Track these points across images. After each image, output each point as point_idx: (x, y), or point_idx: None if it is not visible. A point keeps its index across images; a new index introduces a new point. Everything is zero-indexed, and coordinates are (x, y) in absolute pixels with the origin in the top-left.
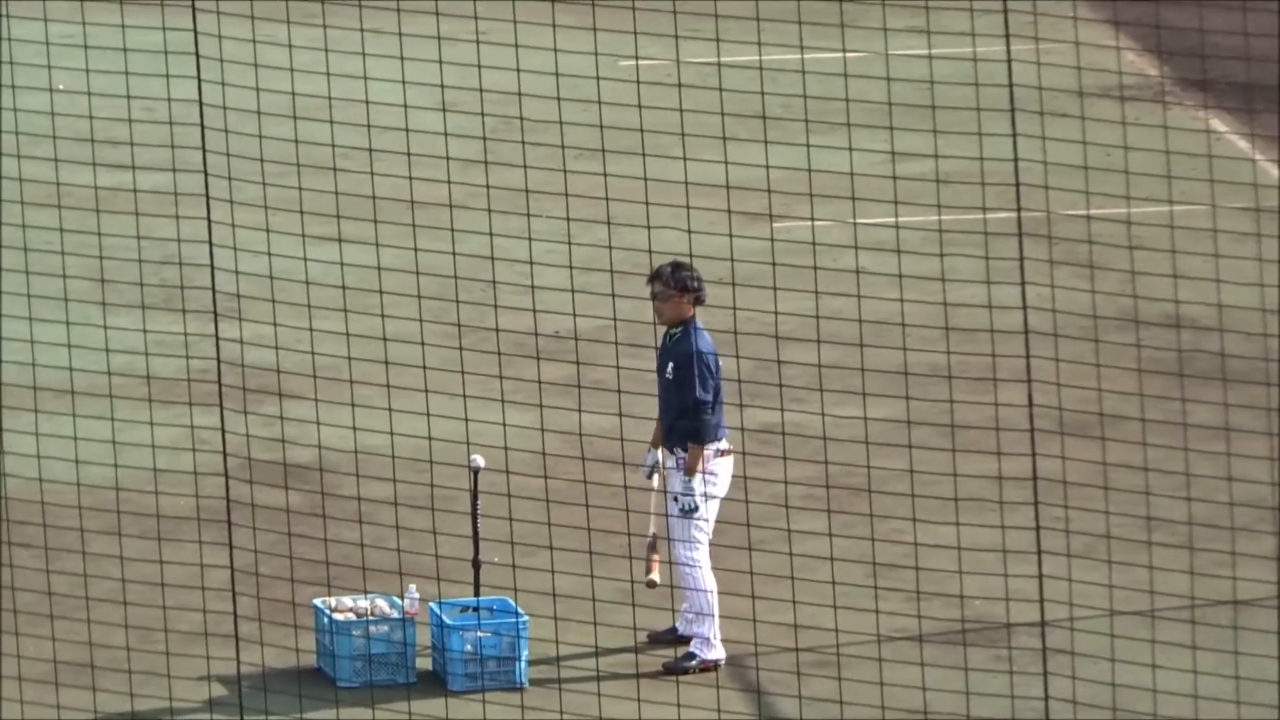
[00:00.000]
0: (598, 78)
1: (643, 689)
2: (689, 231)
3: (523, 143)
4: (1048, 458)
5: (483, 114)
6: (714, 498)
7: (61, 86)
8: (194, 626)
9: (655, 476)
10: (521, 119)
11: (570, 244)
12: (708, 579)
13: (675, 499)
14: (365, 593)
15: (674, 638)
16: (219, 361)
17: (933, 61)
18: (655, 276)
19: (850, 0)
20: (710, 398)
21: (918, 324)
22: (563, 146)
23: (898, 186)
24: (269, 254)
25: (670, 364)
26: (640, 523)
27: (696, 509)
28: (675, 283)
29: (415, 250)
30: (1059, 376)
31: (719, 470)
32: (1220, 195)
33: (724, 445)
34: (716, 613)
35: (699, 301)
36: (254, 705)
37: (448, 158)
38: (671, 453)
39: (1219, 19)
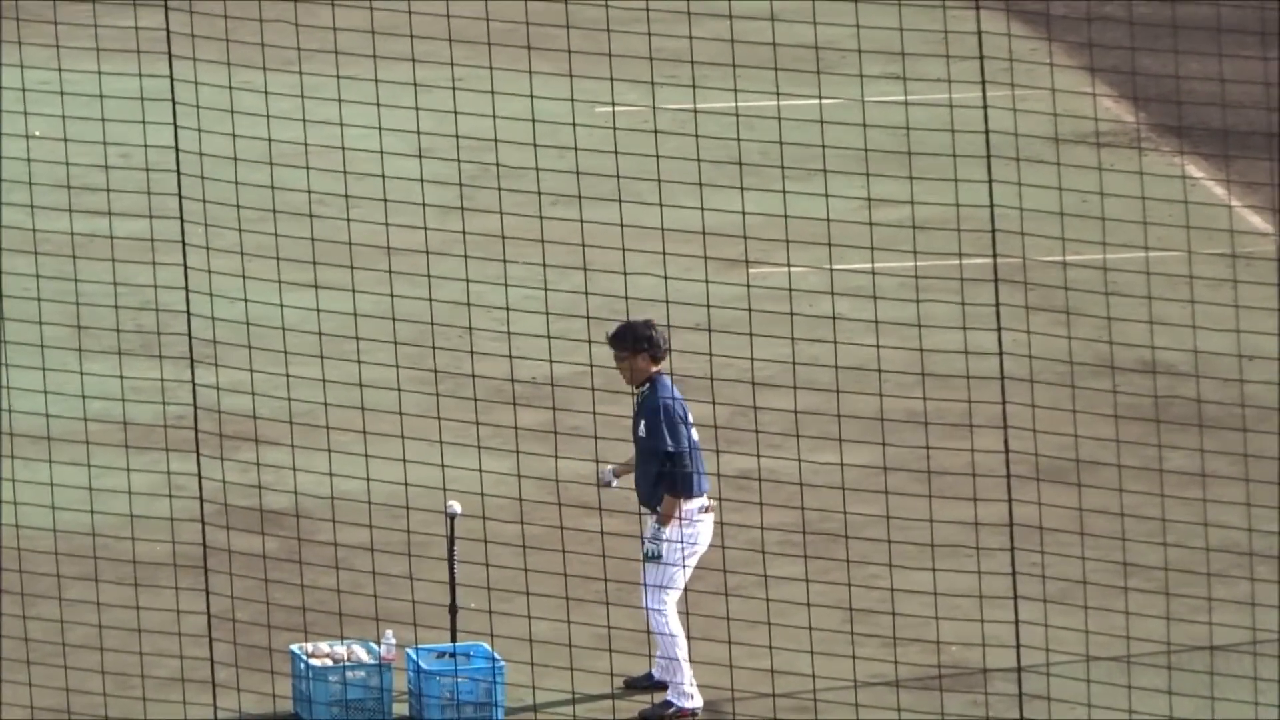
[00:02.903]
0: (574, 124)
1: None
2: (665, 277)
3: (499, 189)
4: (1024, 503)
5: (459, 160)
6: (693, 556)
7: (38, 132)
8: (171, 672)
9: (612, 481)
10: (498, 165)
11: (547, 290)
12: (673, 624)
13: (643, 542)
14: (342, 638)
15: (650, 684)
16: (195, 407)
17: (909, 108)
18: (610, 341)
19: (827, 47)
20: (684, 447)
21: (894, 370)
22: (539, 193)
23: (874, 232)
24: (245, 300)
25: (641, 422)
26: (617, 569)
27: (659, 556)
28: (624, 343)
29: (392, 296)
30: (1035, 422)
31: (700, 530)
32: (1196, 241)
33: (706, 502)
34: (685, 659)
35: (655, 359)
36: None
37: (424, 204)
38: (653, 511)
39: (1195, 65)
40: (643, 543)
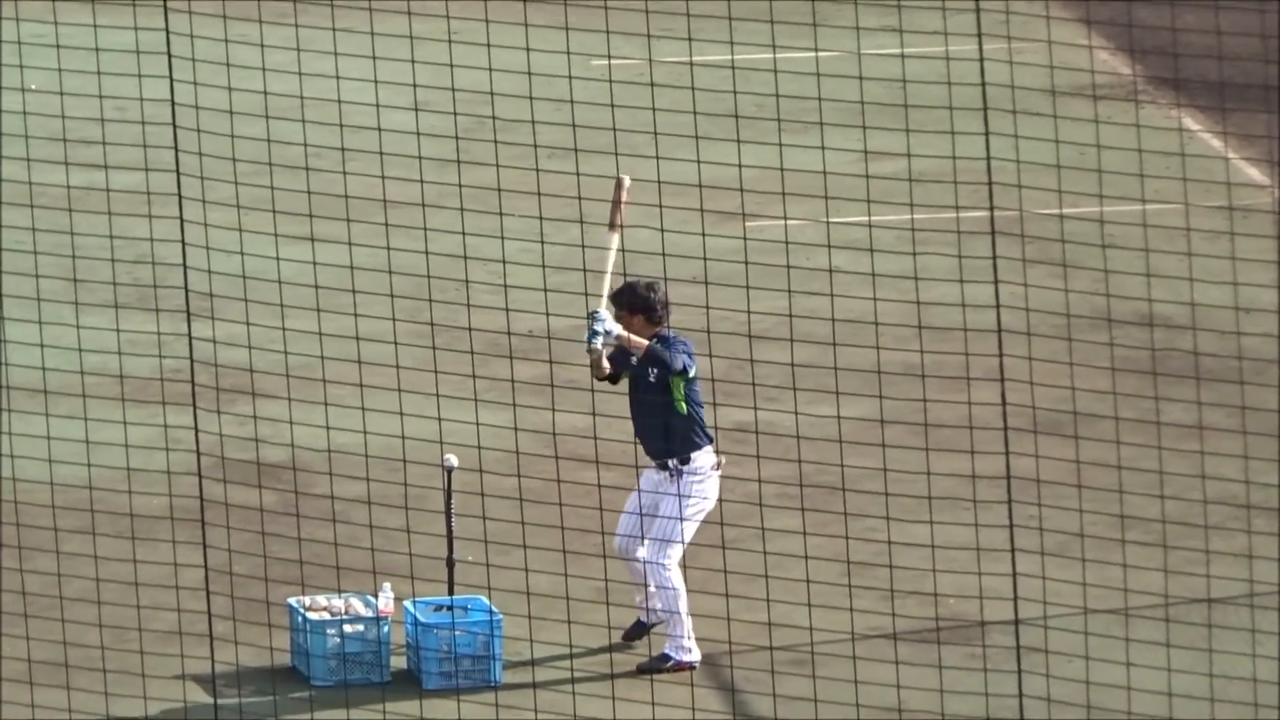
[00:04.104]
0: (570, 77)
1: (617, 688)
2: (662, 230)
3: (495, 142)
4: (1021, 456)
5: (455, 113)
6: (701, 512)
7: (34, 86)
8: (169, 626)
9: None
10: (494, 118)
11: (543, 243)
12: (675, 578)
13: (638, 494)
14: (340, 592)
15: (642, 631)
16: (192, 361)
17: (905, 60)
18: (610, 297)
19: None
20: (691, 368)
21: (891, 323)
22: (535, 146)
23: (871, 185)
24: (242, 253)
25: (652, 369)
26: (614, 522)
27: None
28: (629, 304)
29: (388, 249)
30: (1032, 375)
31: (709, 486)
32: (1193, 194)
33: (716, 459)
34: (686, 612)
35: (651, 321)
36: (229, 704)
37: (420, 157)
38: (665, 467)
39: (1191, 17)
40: (638, 494)
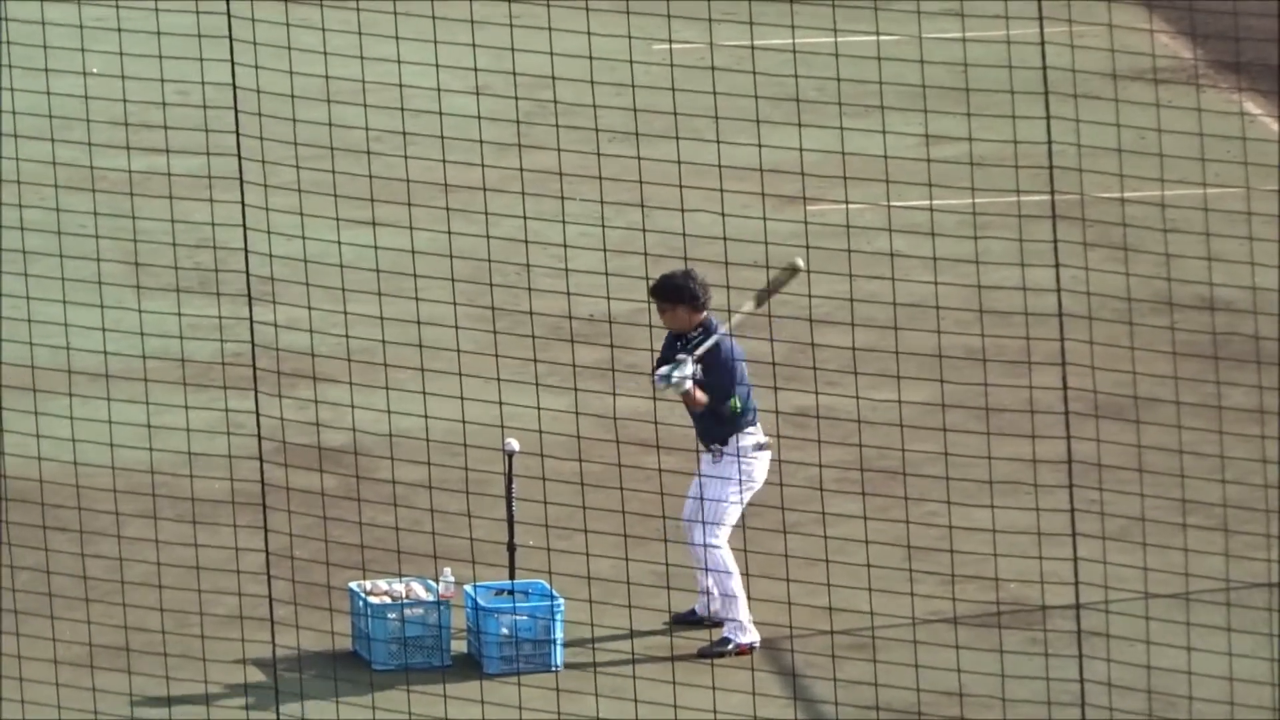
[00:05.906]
0: (631, 61)
1: (678, 672)
2: (723, 215)
3: (556, 126)
4: (1082, 440)
5: (516, 97)
6: (748, 493)
7: (95, 70)
8: (229, 610)
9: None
10: (555, 102)
11: (604, 227)
12: (728, 559)
13: (698, 478)
14: (400, 576)
15: (694, 620)
16: (253, 345)
17: (966, 44)
18: (650, 293)
19: None
20: (745, 394)
21: (952, 307)
22: (596, 130)
23: (932, 169)
24: (303, 237)
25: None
26: (676, 506)
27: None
28: (669, 295)
29: (449, 233)
30: (1093, 359)
31: (756, 467)
32: (1254, 178)
33: (762, 439)
34: (742, 594)
35: (696, 309)
36: (289, 688)
37: (481, 141)
38: (708, 449)
39: (1253, 1)
40: (698, 479)
